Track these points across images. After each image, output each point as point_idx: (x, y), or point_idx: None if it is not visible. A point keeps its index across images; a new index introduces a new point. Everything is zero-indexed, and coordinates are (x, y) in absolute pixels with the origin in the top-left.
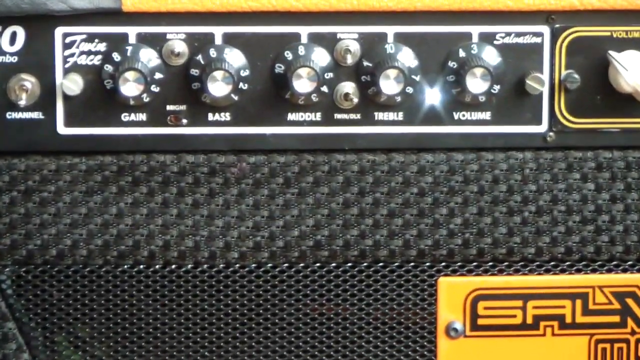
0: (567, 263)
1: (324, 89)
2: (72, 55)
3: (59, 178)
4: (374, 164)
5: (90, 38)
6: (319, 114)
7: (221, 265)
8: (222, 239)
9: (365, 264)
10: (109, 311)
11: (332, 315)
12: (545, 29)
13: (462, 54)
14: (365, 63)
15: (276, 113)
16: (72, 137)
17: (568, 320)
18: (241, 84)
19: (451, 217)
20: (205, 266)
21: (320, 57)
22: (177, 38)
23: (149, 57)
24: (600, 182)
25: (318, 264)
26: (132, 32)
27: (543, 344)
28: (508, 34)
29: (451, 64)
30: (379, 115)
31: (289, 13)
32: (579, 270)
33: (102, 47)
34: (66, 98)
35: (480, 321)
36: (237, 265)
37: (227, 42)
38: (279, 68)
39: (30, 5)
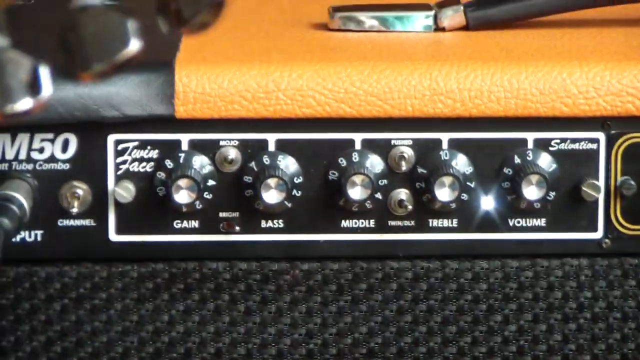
0: None
1: (378, 195)
2: (125, 162)
3: (110, 285)
4: (428, 270)
5: (143, 145)
6: (372, 221)
7: None
8: (274, 346)
9: None
10: None
11: None
12: (601, 135)
13: (517, 160)
14: (420, 169)
15: (329, 220)
16: (124, 244)
17: None
18: (294, 191)
19: (506, 324)
20: None
21: (374, 163)
22: (230, 145)
23: (201, 164)
24: None
25: None
26: (184, 138)
27: None
28: (563, 140)
29: (506, 170)
30: (434, 222)
31: (343, 119)
32: None
33: (154, 154)
34: (118, 205)
35: None
36: None
37: (280, 148)
38: (333, 175)
39: (82, 112)
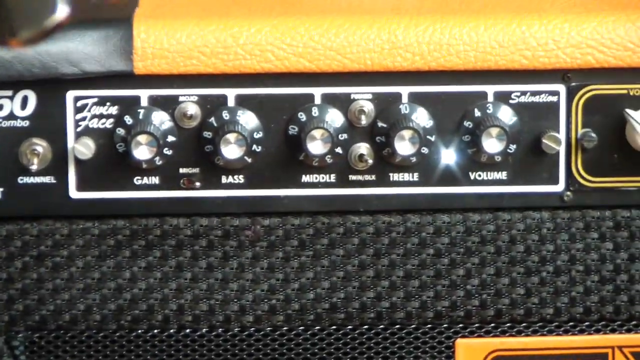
0: (586, 323)
1: (339, 150)
2: (84, 119)
3: (71, 243)
4: (389, 225)
5: (102, 101)
6: (333, 176)
7: (236, 329)
8: (237, 302)
9: (381, 326)
10: None
11: None
12: (561, 88)
13: (477, 113)
14: (380, 124)
15: (290, 175)
16: (85, 201)
17: None
18: (254, 146)
19: (468, 278)
20: (220, 330)
21: (334, 118)
22: (189, 100)
23: (161, 120)
24: (618, 241)
25: (334, 327)
26: (144, 95)
27: None
28: (524, 93)
29: (467, 123)
30: (394, 176)
31: (302, 74)
32: (598, 331)
33: (113, 110)
34: (78, 162)
35: None
36: (253, 328)
37: (240, 104)
38: (293, 130)
39: (41, 69)
